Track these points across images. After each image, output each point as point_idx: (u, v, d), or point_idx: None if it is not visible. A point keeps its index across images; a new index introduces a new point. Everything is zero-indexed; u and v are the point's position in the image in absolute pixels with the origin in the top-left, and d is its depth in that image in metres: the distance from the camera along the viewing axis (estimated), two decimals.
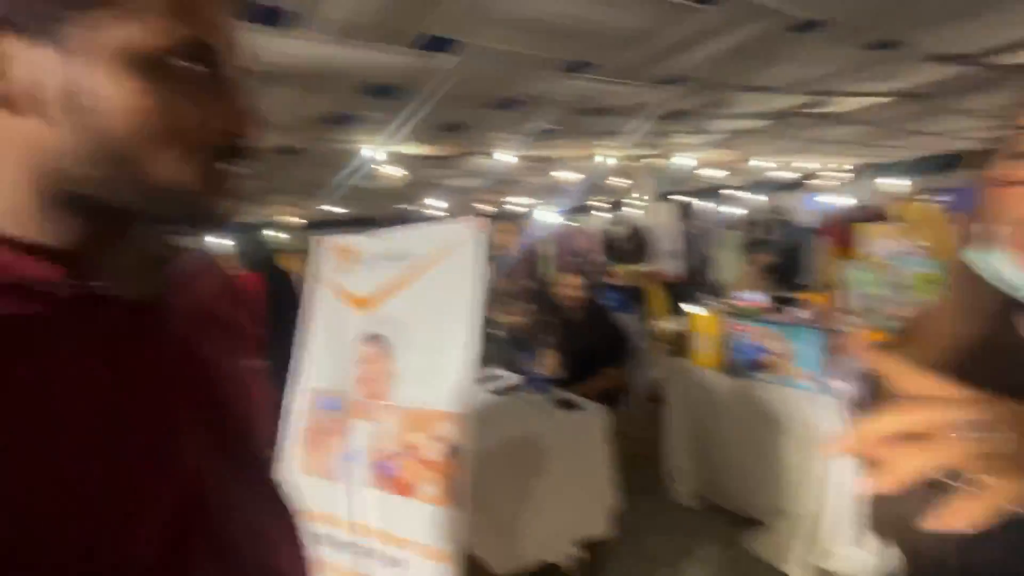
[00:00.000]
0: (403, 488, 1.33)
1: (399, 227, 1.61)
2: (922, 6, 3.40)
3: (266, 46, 2.92)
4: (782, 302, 2.74)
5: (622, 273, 6.13)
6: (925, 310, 0.53)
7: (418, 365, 1.39)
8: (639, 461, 2.77)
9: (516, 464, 1.78)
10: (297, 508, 0.53)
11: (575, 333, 2.38)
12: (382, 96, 4.18)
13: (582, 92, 4.56)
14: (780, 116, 6.75)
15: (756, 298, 2.34)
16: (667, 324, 4.54)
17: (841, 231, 4.99)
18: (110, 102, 0.35)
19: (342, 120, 4.93)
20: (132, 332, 0.40)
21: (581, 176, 10.20)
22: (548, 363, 2.45)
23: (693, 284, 5.61)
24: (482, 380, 2.34)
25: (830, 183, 13.84)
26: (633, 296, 5.41)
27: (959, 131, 8.73)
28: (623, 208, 17.40)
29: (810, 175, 16.38)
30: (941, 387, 0.30)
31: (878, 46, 4.16)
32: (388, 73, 3.67)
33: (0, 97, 0.34)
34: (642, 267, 6.43)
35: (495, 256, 3.04)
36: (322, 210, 12.10)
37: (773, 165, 13.03)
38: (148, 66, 0.36)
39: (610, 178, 11.15)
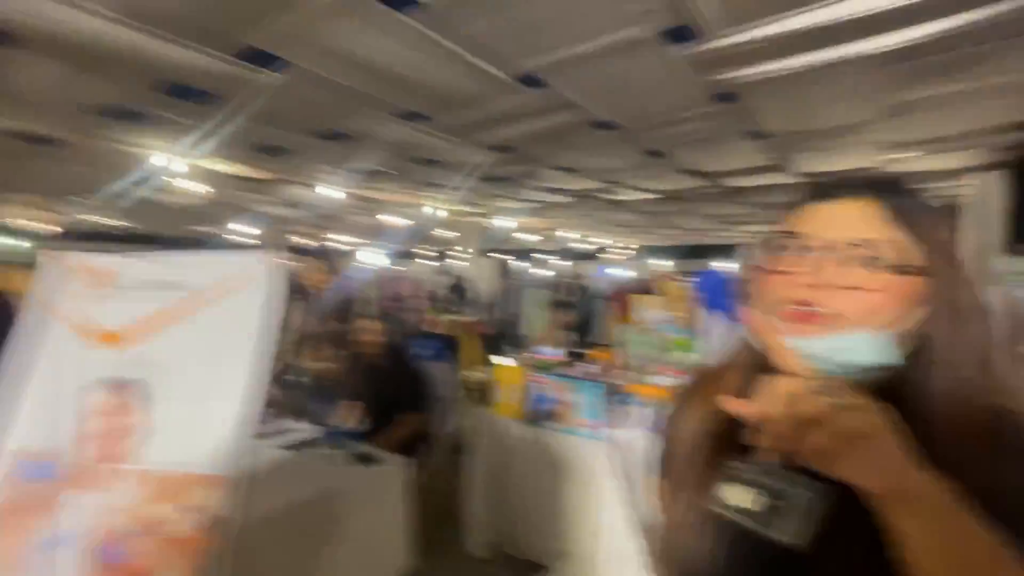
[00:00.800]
0: None
1: (177, 252, 1.35)
2: (682, 128, 4.40)
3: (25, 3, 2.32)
4: (576, 357, 3.07)
5: (442, 322, 6.21)
6: (708, 369, 0.64)
7: (178, 418, 1.13)
8: (439, 514, 2.70)
9: (302, 528, 1.57)
10: None
11: (375, 380, 2.28)
12: (184, 98, 3.64)
13: (412, 140, 4.67)
14: (581, 195, 7.90)
15: (554, 353, 2.57)
16: (477, 374, 4.68)
17: (623, 299, 5.91)
18: None
19: (127, 116, 4.12)
20: None
21: (408, 222, 10.25)
22: (347, 413, 2.28)
23: (504, 337, 5.95)
24: (270, 434, 2.06)
25: (618, 257, 16.50)
26: (450, 345, 5.49)
27: (703, 229, 11.54)
28: (448, 259, 17.95)
29: (603, 249, 19.31)
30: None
31: (651, 153, 5.24)
32: (194, 74, 3.22)
33: None
34: (461, 317, 6.61)
35: (307, 296, 2.78)
36: (87, 220, 9.73)
37: (576, 236, 15.02)
38: None
39: (437, 229, 11.46)
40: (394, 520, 1.80)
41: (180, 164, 5.72)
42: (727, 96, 3.64)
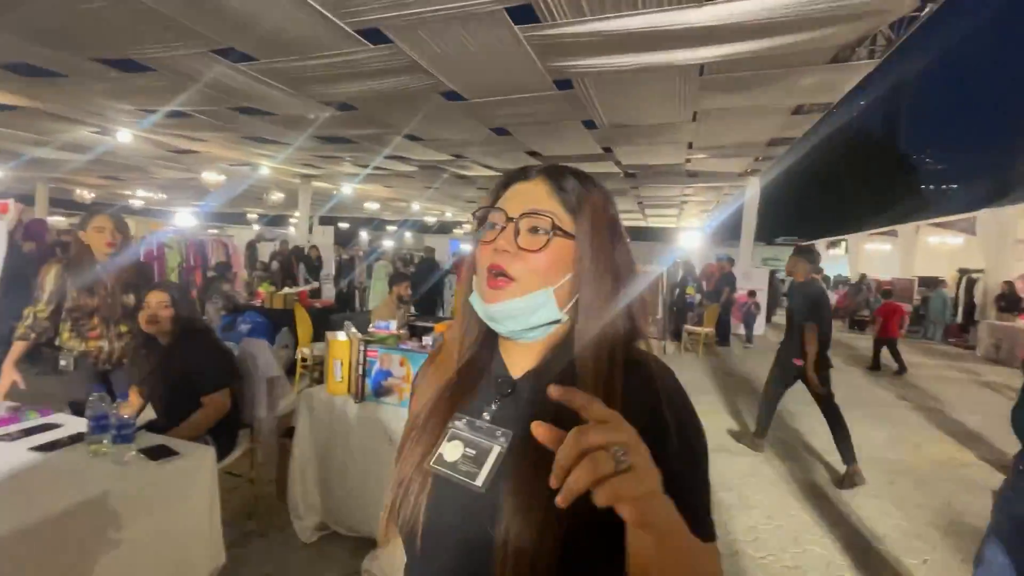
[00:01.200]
0: None
1: None
2: (524, 107, 4.58)
3: None
4: (420, 332, 3.04)
5: (265, 294, 5.59)
6: (448, 334, 0.71)
7: None
8: (267, 502, 2.48)
9: (70, 543, 1.29)
10: None
11: (164, 361, 1.94)
12: None
13: (235, 84, 4.03)
14: (428, 166, 7.77)
15: (390, 326, 2.51)
16: (310, 351, 4.36)
17: (464, 270, 6.02)
18: None
19: None
20: None
21: (228, 179, 8.94)
22: (131, 401, 1.92)
23: (341, 310, 5.62)
24: (15, 434, 1.63)
25: (465, 231, 16.74)
26: (278, 319, 4.99)
27: None
28: (278, 225, 16.18)
29: (458, 224, 19.43)
30: (607, 413, 0.39)
31: (497, 131, 5.37)
32: None
33: None
34: (290, 290, 6.04)
35: (79, 261, 2.21)
36: None
37: (419, 207, 14.82)
38: None
39: (269, 192, 10.21)
40: (202, 516, 1.58)
41: None
42: (564, 83, 3.88)
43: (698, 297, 8.34)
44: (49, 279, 2.16)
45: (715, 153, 6.08)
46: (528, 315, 0.57)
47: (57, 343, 2.19)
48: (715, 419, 4.35)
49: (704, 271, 9.38)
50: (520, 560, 0.48)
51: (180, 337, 2.02)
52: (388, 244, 15.32)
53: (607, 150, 6.07)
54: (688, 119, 4.67)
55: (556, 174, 0.60)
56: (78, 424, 1.71)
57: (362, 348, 2.11)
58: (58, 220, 11.68)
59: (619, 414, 0.40)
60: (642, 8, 2.62)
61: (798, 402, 3.96)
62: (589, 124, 5.00)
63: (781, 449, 3.74)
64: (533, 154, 6.27)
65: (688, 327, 7.46)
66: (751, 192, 7.62)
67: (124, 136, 6.13)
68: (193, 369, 2.01)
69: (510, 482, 0.51)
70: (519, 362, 0.61)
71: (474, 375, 0.63)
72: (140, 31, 3.10)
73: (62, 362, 2.15)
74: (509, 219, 0.57)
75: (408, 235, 19.96)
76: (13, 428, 1.67)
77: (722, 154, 6.11)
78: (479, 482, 0.52)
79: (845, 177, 30.79)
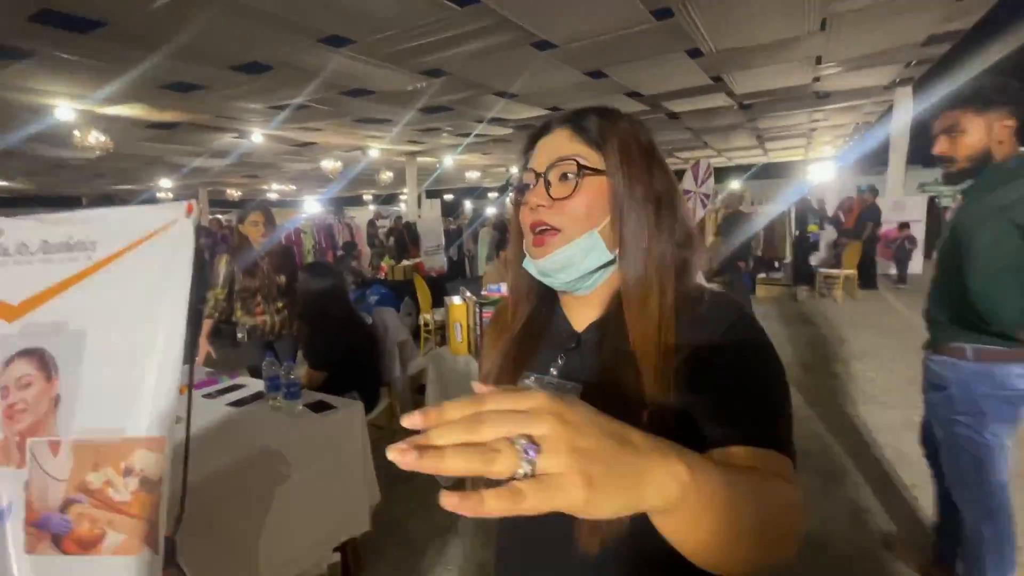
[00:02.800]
0: (82, 545, 1.02)
1: (76, 211, 1.23)
2: (621, 46, 4.29)
3: None
4: None
5: (387, 267, 6.08)
6: (503, 302, 0.70)
7: (104, 381, 1.07)
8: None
9: (259, 481, 1.57)
10: None
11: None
12: (59, 27, 3.15)
13: (340, 68, 4.32)
14: (523, 126, 7.70)
15: (500, 288, 2.59)
16: (431, 316, 4.68)
17: (514, 235, 5.98)
18: None
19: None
20: None
21: (344, 165, 9.73)
22: (301, 370, 2.26)
23: (454, 277, 5.93)
24: (216, 392, 2.00)
25: None
26: (400, 290, 5.43)
27: None
28: (391, 203, 17.36)
29: None
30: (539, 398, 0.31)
31: (592, 75, 5.10)
32: None
33: None
34: (407, 261, 6.49)
35: (239, 250, 2.62)
36: None
37: (516, 171, 14.78)
38: None
39: (380, 173, 10.96)
40: (356, 461, 1.83)
41: (68, 111, 5.08)
42: (663, 12, 3.55)
43: (822, 234, 7.40)
44: (221, 267, 2.58)
45: (852, 65, 5.18)
46: (579, 262, 0.56)
47: (233, 319, 2.62)
48: (856, 367, 3.90)
49: (843, 204, 8.22)
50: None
51: (312, 316, 2.32)
52: (490, 211, 15.66)
53: (716, 80, 5.48)
54: (815, 28, 4.02)
55: (576, 117, 0.59)
56: (258, 384, 2.05)
57: (477, 310, 2.22)
58: (217, 217, 13.72)
59: (569, 401, 0.30)
60: None
61: None
62: (694, 53, 4.53)
63: None
64: (633, 95, 5.89)
65: (823, 270, 6.69)
66: (903, 106, 6.39)
67: (257, 137, 6.92)
68: (308, 344, 2.32)
69: None
70: (580, 315, 0.61)
71: (536, 333, 0.63)
72: (258, 34, 3.43)
73: (239, 335, 2.57)
74: (538, 175, 0.57)
75: (508, 200, 20.17)
76: (212, 389, 2.05)
77: (862, 65, 5.18)
78: None
79: None
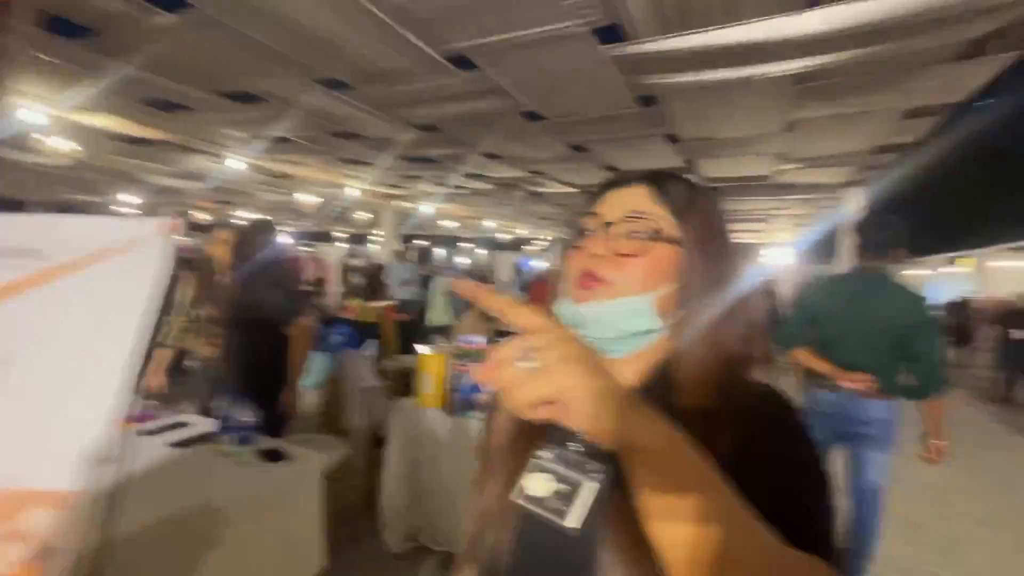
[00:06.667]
0: None
1: (20, 214, 1.08)
2: (605, 125, 4.54)
3: None
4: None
5: (356, 307, 5.93)
6: None
7: (13, 418, 0.89)
8: (354, 509, 2.59)
9: (190, 540, 1.40)
10: None
11: (236, 309, 2.09)
12: (61, 34, 3.08)
13: (332, 110, 4.37)
14: (504, 184, 7.92)
15: (478, 340, 2.55)
16: (396, 363, 4.54)
17: (539, 288, 6.03)
18: None
19: None
20: None
21: (322, 200, 9.66)
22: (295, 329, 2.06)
23: (421, 324, 5.82)
24: (158, 430, 1.83)
25: (537, 248, 16.85)
26: (365, 331, 5.26)
27: None
28: (361, 243, 17.21)
29: (528, 241, 19.65)
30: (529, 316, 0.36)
31: (575, 148, 5.36)
32: (75, 5, 2.74)
33: None
34: (377, 303, 6.35)
35: (205, 274, 2.46)
36: None
37: (494, 225, 15.12)
38: None
39: (356, 212, 10.92)
40: (306, 519, 1.68)
41: (41, 115, 4.90)
42: (648, 99, 3.81)
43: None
44: (184, 291, 2.42)
45: (811, 164, 5.66)
46: (620, 320, 0.51)
47: (191, 350, 2.44)
48: None
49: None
50: None
51: (246, 278, 2.10)
52: (463, 260, 15.76)
53: (689, 163, 5.86)
54: (782, 129, 4.40)
55: (660, 178, 0.56)
56: (206, 424, 1.88)
57: (453, 363, 2.16)
58: (181, 240, 13.14)
59: (542, 318, 0.36)
60: (736, 20, 2.52)
61: None
62: (670, 138, 4.86)
63: None
64: (611, 168, 6.20)
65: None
66: (854, 204, 6.99)
67: (239, 164, 6.81)
68: (266, 305, 2.10)
69: (609, 526, 0.45)
70: None
71: None
72: (254, 65, 3.45)
73: (193, 365, 2.39)
74: (606, 224, 0.53)
75: (483, 252, 20.43)
76: (152, 425, 1.87)
77: (819, 164, 5.67)
78: (571, 522, 0.43)
79: (970, 186, 27.28)
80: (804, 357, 2.10)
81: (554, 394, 0.33)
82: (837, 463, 2.15)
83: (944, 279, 15.69)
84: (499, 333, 3.94)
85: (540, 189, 8.22)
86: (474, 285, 0.36)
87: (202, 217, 14.22)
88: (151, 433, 1.80)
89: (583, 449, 0.49)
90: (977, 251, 13.79)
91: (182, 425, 1.89)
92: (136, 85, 4.00)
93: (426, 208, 10.77)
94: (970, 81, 3.31)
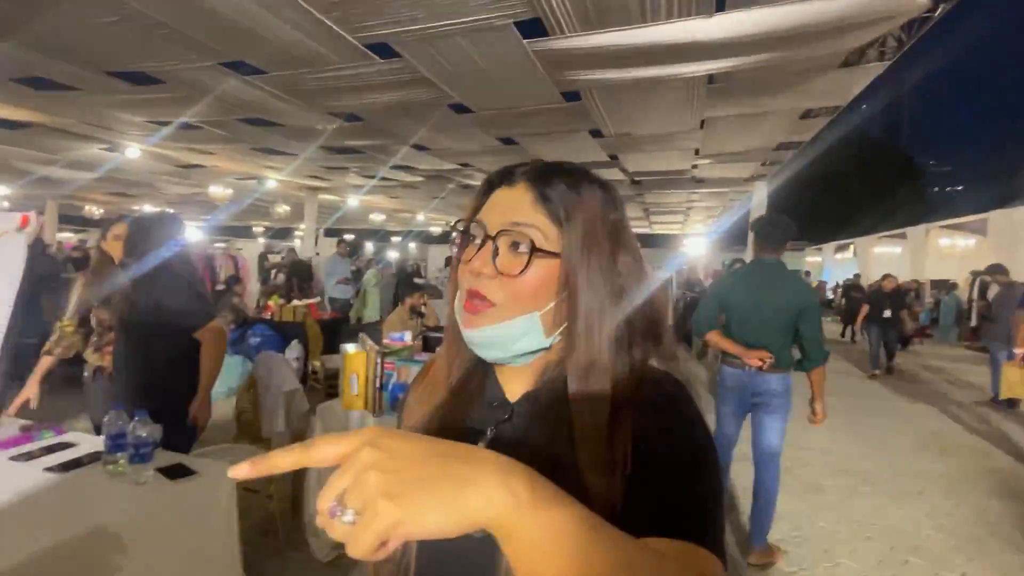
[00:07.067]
0: None
1: None
2: (532, 119, 4.59)
3: None
4: (435, 344, 3.03)
5: (275, 307, 5.60)
6: (434, 357, 0.64)
7: None
8: (277, 519, 2.46)
9: (90, 570, 1.27)
10: None
11: (132, 313, 1.86)
12: None
13: (243, 96, 4.06)
14: (433, 176, 7.80)
15: (403, 338, 2.49)
16: (321, 364, 4.34)
17: (451, 287, 6.02)
18: None
19: None
20: None
21: (233, 192, 9.00)
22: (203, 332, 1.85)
23: (347, 323, 5.62)
24: (37, 452, 1.62)
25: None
26: (288, 332, 4.99)
27: None
28: (284, 238, 16.26)
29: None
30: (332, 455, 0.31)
31: (504, 141, 5.39)
32: None
33: None
34: (299, 302, 6.05)
35: (99, 272, 2.19)
36: None
37: (423, 218, 14.86)
38: None
39: (276, 205, 10.27)
40: (220, 536, 1.56)
41: None
42: (572, 95, 3.89)
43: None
44: (75, 292, 2.16)
45: (722, 159, 6.06)
46: (510, 343, 0.51)
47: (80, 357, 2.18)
48: None
49: (713, 274, 9.40)
50: None
51: (142, 279, 1.88)
52: (392, 255, 15.37)
53: (613, 157, 6.06)
54: (696, 127, 4.66)
55: (542, 177, 0.53)
56: (95, 443, 1.69)
57: (379, 361, 2.10)
58: (67, 236, 11.75)
59: (338, 445, 0.31)
60: (651, 20, 2.62)
61: None
62: (596, 133, 5.00)
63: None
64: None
65: None
66: (758, 197, 7.58)
67: (133, 152, 6.18)
68: (171, 309, 1.90)
69: None
70: (516, 383, 0.56)
71: (467, 396, 0.58)
72: (151, 45, 3.13)
73: (85, 374, 2.14)
74: (487, 237, 0.51)
75: (412, 246, 20.02)
76: (27, 448, 1.65)
77: (729, 160, 6.09)
78: None
79: (853, 180, 30.65)
80: (715, 338, 2.43)
81: (383, 536, 0.29)
82: (744, 430, 2.44)
83: (835, 264, 17.50)
84: (429, 328, 3.90)
85: (471, 181, 8.16)
86: (253, 462, 0.32)
87: (94, 211, 12.79)
88: (26, 458, 1.59)
89: (486, 447, 0.49)
90: (859, 239, 15.48)
91: (66, 446, 1.69)
92: (9, 62, 3.50)
93: (353, 201, 10.37)
94: (851, 87, 3.69)
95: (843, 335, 10.87)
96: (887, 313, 6.91)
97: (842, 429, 4.27)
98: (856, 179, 31.34)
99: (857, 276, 12.54)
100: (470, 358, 0.58)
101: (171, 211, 2.29)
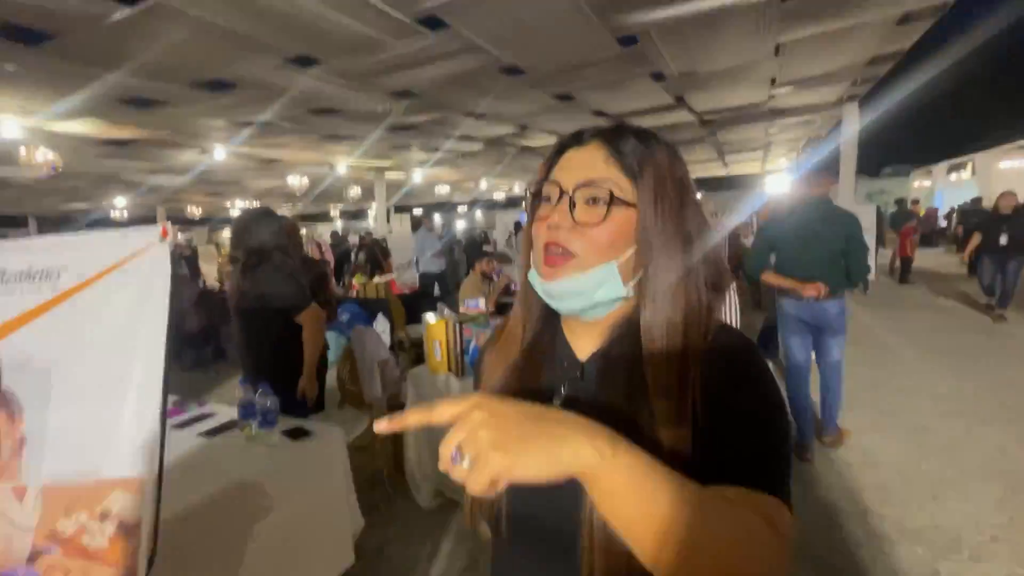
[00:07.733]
0: None
1: (36, 236, 1.17)
2: (588, 71, 4.42)
3: None
4: (508, 308, 3.13)
5: (358, 285, 5.99)
6: (508, 317, 0.68)
7: (66, 422, 1.01)
8: (382, 473, 2.74)
9: (235, 518, 1.51)
10: None
11: (241, 303, 2.09)
12: (14, 39, 3.02)
13: (308, 88, 4.27)
14: (492, 142, 7.78)
15: (479, 304, 2.60)
16: (406, 334, 4.63)
17: (525, 248, 6.04)
18: None
19: None
20: None
21: (310, 181, 9.56)
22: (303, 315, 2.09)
23: (427, 294, 5.90)
24: (188, 422, 1.93)
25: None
26: (373, 307, 5.34)
27: None
28: (359, 218, 17.10)
29: (520, 197, 19.39)
30: (450, 413, 0.40)
31: (560, 97, 5.24)
32: (25, 10, 2.67)
33: None
34: (378, 279, 6.41)
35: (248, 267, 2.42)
36: None
37: (486, 185, 14.91)
38: None
39: (348, 188, 10.81)
40: (337, 489, 1.79)
41: (14, 127, 4.84)
42: (628, 40, 3.68)
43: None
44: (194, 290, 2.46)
45: (803, 85, 5.48)
46: (590, 292, 0.53)
47: None
48: None
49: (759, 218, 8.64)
50: (606, 547, 0.47)
51: (249, 270, 2.08)
52: (461, 224, 15.68)
53: (679, 99, 5.70)
54: (770, 54, 4.24)
55: (613, 136, 0.55)
56: (228, 412, 1.98)
57: (457, 328, 2.23)
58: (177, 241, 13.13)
59: (457, 406, 0.39)
60: None
61: None
62: (657, 76, 4.71)
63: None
64: (599, 114, 6.05)
65: None
66: (849, 120, 6.78)
67: (219, 153, 6.74)
68: (273, 297, 2.08)
69: None
70: (584, 342, 0.59)
71: (539, 357, 0.60)
72: (218, 52, 3.37)
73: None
74: (563, 192, 0.54)
75: (479, 214, 20.25)
76: (181, 418, 1.97)
77: (813, 84, 5.49)
78: None
79: (970, 90, 26.34)
80: (771, 278, 2.76)
81: (494, 478, 0.37)
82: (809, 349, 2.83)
83: (949, 187, 15.43)
84: (502, 297, 4.00)
85: (530, 143, 8.07)
86: (391, 419, 0.42)
87: (194, 211, 14.16)
88: (181, 427, 1.90)
89: (560, 405, 0.55)
90: (978, 155, 13.47)
91: (207, 416, 1.99)
92: (106, 87, 3.93)
93: (417, 176, 10.64)
94: None
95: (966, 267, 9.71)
96: (1003, 240, 5.68)
97: (952, 369, 3.91)
98: (977, 87, 26.89)
99: (977, 200, 11.03)
100: (540, 317, 0.62)
101: (266, 206, 2.50)
